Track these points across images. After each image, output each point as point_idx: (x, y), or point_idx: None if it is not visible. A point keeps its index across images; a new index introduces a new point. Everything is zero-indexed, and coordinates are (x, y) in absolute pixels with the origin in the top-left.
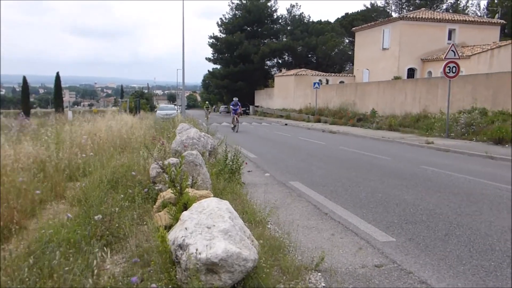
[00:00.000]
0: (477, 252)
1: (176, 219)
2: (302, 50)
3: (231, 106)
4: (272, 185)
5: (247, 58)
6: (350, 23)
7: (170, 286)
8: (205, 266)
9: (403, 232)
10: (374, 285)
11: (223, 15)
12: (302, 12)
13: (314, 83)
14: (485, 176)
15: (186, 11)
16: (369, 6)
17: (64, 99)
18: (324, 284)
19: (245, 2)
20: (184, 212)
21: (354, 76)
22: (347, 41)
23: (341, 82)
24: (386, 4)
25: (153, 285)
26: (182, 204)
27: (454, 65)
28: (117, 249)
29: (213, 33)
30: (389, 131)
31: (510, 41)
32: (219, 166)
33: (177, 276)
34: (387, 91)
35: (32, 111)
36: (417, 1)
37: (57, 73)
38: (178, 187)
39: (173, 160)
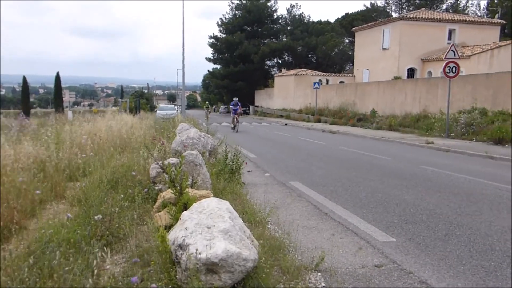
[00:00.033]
0: (477, 252)
1: (176, 219)
2: (302, 50)
3: (231, 106)
4: (272, 185)
5: (247, 58)
6: (350, 23)
7: (170, 286)
8: (205, 266)
9: (403, 232)
10: (374, 285)
11: (223, 15)
12: (302, 12)
13: (314, 83)
14: (485, 176)
15: (186, 11)
16: (369, 6)
17: (64, 99)
18: (324, 284)
19: (245, 2)
20: (184, 212)
21: (354, 76)
22: (347, 41)
23: (341, 82)
24: (386, 4)
25: (153, 285)
26: (182, 204)
27: (454, 65)
28: (117, 249)
29: (213, 33)
30: (389, 131)
31: (510, 41)
32: (219, 166)
33: (177, 276)
34: (387, 91)
35: (32, 111)
36: (417, 1)
37: (57, 73)
38: (178, 187)
39: (173, 160)
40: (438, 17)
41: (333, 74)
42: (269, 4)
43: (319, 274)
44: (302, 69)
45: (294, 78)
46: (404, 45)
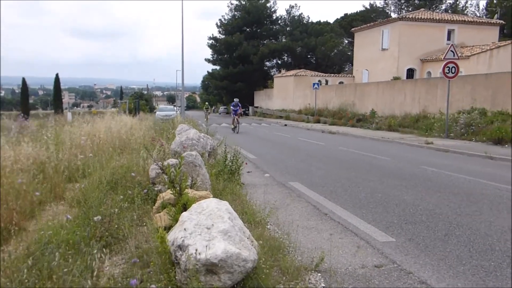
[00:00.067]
0: (477, 252)
1: (175, 219)
2: (302, 50)
3: (231, 107)
4: (272, 186)
5: (247, 59)
6: (349, 24)
7: (169, 287)
8: (205, 266)
9: (402, 232)
10: (374, 285)
11: (222, 16)
12: (301, 13)
13: (314, 84)
14: (485, 176)
15: (185, 12)
16: (368, 7)
17: (63, 100)
18: (324, 285)
19: (244, 3)
20: (184, 213)
21: (354, 76)
22: (346, 41)
23: (341, 82)
24: (385, 5)
25: (153, 286)
26: (182, 205)
27: (453, 65)
28: (116, 250)
29: (212, 34)
30: (389, 132)
31: (509, 41)
32: (219, 167)
33: (176, 277)
34: (386, 92)
35: (34, 112)
36: (416, 2)
37: (57, 75)
38: (178, 188)
39: (172, 161)
40: (437, 18)
41: (332, 74)
42: (268, 5)
43: (319, 274)
44: (302, 70)
45: (294, 79)
46: (403, 45)
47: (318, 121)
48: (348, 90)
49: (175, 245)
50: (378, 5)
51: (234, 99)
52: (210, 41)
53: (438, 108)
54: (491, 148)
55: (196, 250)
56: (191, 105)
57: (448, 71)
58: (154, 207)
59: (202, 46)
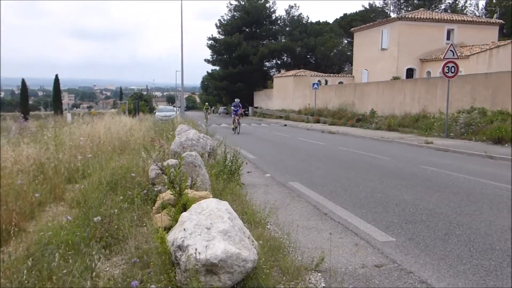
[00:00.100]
0: (477, 251)
1: (175, 220)
2: (301, 51)
3: (232, 107)
4: (272, 186)
5: (246, 59)
6: (348, 24)
7: (169, 287)
8: (205, 267)
9: (403, 232)
10: (374, 285)
11: (221, 16)
12: (301, 13)
13: (313, 84)
14: (485, 176)
15: (184, 12)
16: (368, 7)
17: (63, 101)
18: (324, 285)
19: (243, 3)
20: (184, 213)
21: (353, 76)
22: (345, 41)
23: (340, 82)
24: (384, 5)
25: (153, 286)
26: (182, 205)
27: (453, 65)
28: (116, 250)
29: (212, 35)
30: (388, 131)
31: (508, 41)
32: (219, 167)
33: (176, 278)
34: (386, 91)
35: (34, 113)
36: (415, 2)
37: (56, 76)
38: (177, 188)
39: (172, 161)
40: (437, 17)
41: (332, 74)
42: (267, 5)
43: (319, 274)
44: (301, 70)
45: (293, 79)
46: (403, 45)
47: (317, 121)
48: (347, 90)
49: (175, 245)
50: (378, 5)
51: (235, 100)
52: (210, 42)
53: (437, 108)
54: (491, 148)
55: (196, 250)
56: (190, 105)
57: (447, 71)
58: (154, 207)
59: (201, 46)
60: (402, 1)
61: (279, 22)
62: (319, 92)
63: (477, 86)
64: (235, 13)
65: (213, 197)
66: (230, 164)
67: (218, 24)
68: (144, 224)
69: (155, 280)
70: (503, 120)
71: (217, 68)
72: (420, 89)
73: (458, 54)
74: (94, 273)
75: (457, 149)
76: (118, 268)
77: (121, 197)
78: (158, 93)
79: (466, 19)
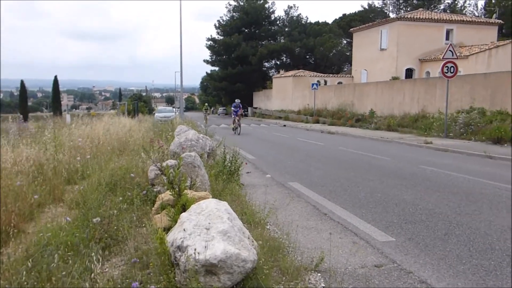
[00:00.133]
0: (477, 251)
1: (175, 220)
2: (300, 51)
3: (232, 108)
4: (271, 186)
5: (245, 59)
6: (347, 24)
7: None
8: (204, 267)
9: (402, 232)
10: (374, 285)
11: (220, 17)
12: (300, 13)
13: (312, 84)
14: (484, 176)
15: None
16: (367, 7)
17: (62, 102)
18: (323, 285)
19: (242, 3)
20: (183, 214)
21: (352, 76)
22: (345, 42)
23: (339, 83)
24: (383, 5)
25: (152, 287)
26: (181, 206)
27: (452, 65)
28: (115, 251)
29: (211, 35)
30: (388, 132)
31: (507, 41)
32: (218, 168)
33: (176, 278)
34: (385, 92)
35: (36, 114)
36: (414, 2)
37: (55, 77)
38: (177, 189)
39: (171, 162)
40: (436, 18)
41: (331, 75)
42: (266, 5)
43: (319, 274)
44: (300, 70)
45: (292, 79)
46: (402, 45)
47: (317, 122)
48: (347, 90)
49: (174, 246)
50: (377, 5)
51: (236, 100)
52: (209, 42)
53: (437, 108)
54: (490, 148)
55: (195, 250)
56: (190, 106)
57: (447, 71)
58: (153, 208)
59: (200, 47)
60: (401, 1)
61: (278, 22)
62: (318, 92)
63: (476, 86)
64: (234, 13)
65: (212, 197)
66: (229, 164)
67: (217, 25)
68: (143, 224)
69: (155, 281)
70: (502, 120)
71: (216, 68)
72: (419, 89)
73: (457, 54)
74: (93, 274)
75: (457, 149)
76: (117, 269)
77: (121, 198)
78: (157, 94)
79: (465, 19)
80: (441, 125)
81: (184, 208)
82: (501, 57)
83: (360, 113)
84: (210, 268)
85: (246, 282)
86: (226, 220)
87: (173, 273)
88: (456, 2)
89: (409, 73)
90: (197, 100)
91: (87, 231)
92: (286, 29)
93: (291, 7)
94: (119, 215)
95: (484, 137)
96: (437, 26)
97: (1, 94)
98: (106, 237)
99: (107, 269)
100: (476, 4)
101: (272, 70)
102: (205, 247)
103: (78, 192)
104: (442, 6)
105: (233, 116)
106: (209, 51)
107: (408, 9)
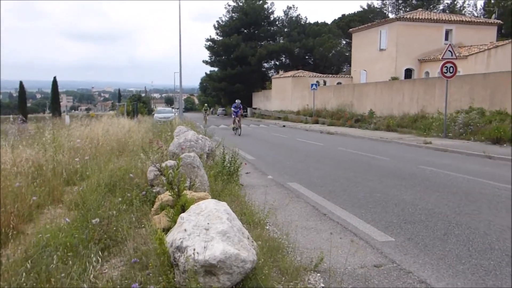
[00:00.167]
0: (476, 251)
1: (174, 221)
2: (300, 51)
3: (232, 108)
4: (271, 187)
5: (244, 60)
6: (347, 24)
7: None
8: (203, 268)
9: (402, 232)
10: (373, 285)
11: (219, 17)
12: (299, 14)
13: (312, 85)
14: (484, 176)
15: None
16: (366, 7)
17: (61, 103)
18: (323, 285)
19: (241, 4)
20: (182, 214)
21: (352, 77)
22: (344, 42)
23: (339, 83)
24: (382, 5)
25: (151, 287)
26: (180, 206)
27: (451, 65)
28: (115, 252)
29: (210, 36)
30: (387, 132)
31: (507, 41)
32: (217, 168)
33: (175, 279)
34: (384, 92)
35: (35, 115)
36: (413, 2)
37: (54, 78)
38: (176, 189)
39: (170, 162)
40: (435, 18)
41: (330, 75)
42: (265, 6)
43: (318, 274)
44: (300, 71)
45: (292, 80)
46: (401, 45)
47: (316, 122)
48: (346, 90)
49: (173, 246)
50: (376, 5)
51: (236, 100)
52: (208, 43)
53: (436, 108)
54: (490, 148)
55: (195, 251)
56: (189, 107)
57: (446, 71)
58: (152, 209)
59: (199, 47)
60: (400, 2)
61: (277, 23)
62: (318, 92)
63: (475, 86)
64: (233, 14)
65: (211, 198)
66: (228, 165)
67: (216, 26)
68: (142, 225)
69: (154, 282)
70: (501, 120)
71: (216, 69)
72: (418, 90)
73: (457, 54)
74: (92, 275)
75: (456, 149)
76: (116, 270)
77: (120, 199)
78: (157, 95)
79: (464, 20)
80: (440, 125)
81: (183, 209)
82: (500, 57)
83: (360, 113)
84: (210, 269)
85: (246, 282)
86: (226, 220)
87: (173, 274)
88: (455, 2)
89: (408, 73)
90: (196, 101)
91: (86, 232)
92: (285, 30)
93: (290, 7)
94: (119, 216)
95: (483, 137)
96: (436, 26)
97: (0, 95)
98: (106, 238)
99: (106, 270)
100: (475, 4)
101: (272, 71)
102: (205, 247)
103: (77, 193)
104: (441, 6)
105: (233, 116)
106: (208, 52)
107: (407, 10)
